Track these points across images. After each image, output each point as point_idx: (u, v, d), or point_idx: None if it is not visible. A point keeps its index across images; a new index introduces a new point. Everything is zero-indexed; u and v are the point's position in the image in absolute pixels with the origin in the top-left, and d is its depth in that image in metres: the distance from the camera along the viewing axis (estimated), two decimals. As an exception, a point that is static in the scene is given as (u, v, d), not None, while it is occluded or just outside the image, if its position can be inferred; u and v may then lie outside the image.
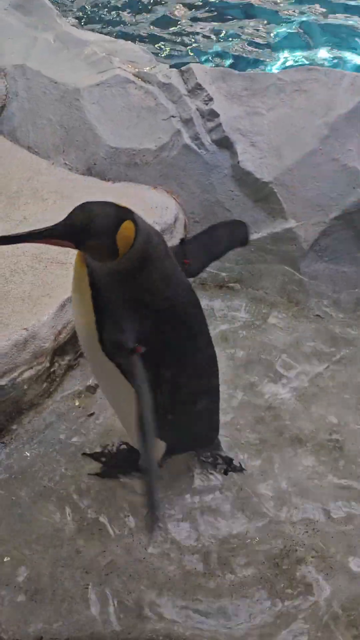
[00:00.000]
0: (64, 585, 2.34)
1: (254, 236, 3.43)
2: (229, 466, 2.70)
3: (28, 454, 2.68)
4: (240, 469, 2.70)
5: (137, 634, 2.23)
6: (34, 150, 3.71)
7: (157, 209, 3.42)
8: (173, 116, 3.53)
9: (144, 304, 2.12)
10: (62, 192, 3.46)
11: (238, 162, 3.38)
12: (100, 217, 2.00)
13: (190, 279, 2.33)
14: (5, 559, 2.40)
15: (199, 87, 3.51)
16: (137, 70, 3.72)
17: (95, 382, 2.97)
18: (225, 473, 2.69)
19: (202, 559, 2.43)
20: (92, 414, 2.83)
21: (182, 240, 2.45)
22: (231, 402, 2.94)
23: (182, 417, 2.41)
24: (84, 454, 2.70)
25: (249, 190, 3.41)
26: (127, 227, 2.00)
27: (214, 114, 3.45)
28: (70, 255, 3.11)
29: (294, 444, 2.79)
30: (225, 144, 3.43)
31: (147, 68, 3.74)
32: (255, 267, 3.47)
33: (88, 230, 1.98)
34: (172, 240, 3.39)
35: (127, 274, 2.07)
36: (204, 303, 3.31)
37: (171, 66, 3.83)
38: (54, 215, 3.25)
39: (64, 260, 3.08)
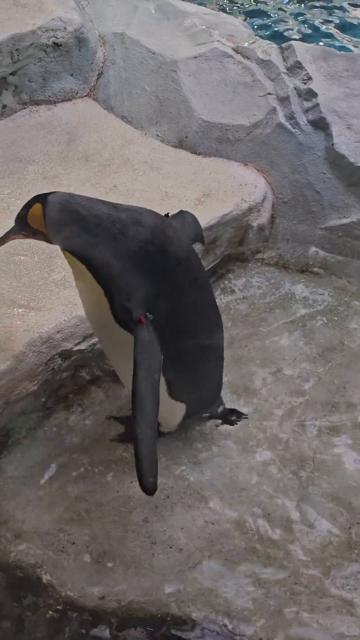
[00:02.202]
0: (132, 550, 2.38)
1: (342, 221, 3.37)
2: (236, 416, 2.79)
3: (104, 421, 2.71)
4: (245, 416, 2.79)
5: (200, 605, 2.25)
6: (127, 119, 3.71)
7: (246, 186, 3.39)
8: (269, 93, 3.48)
9: (135, 262, 2.16)
10: (152, 163, 3.47)
11: (333, 145, 3.32)
12: (18, 214, 2.29)
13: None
14: (74, 521, 2.45)
15: (298, 65, 3.45)
16: (236, 44, 3.68)
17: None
18: (233, 423, 2.78)
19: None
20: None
21: (167, 215, 2.45)
22: (305, 385, 2.92)
23: (199, 376, 2.48)
24: (111, 416, 2.74)
25: (342, 174, 3.34)
26: (33, 210, 2.22)
27: (311, 94, 3.39)
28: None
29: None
30: (320, 125, 3.36)
31: (247, 43, 3.70)
32: (341, 253, 3.41)
33: (17, 227, 2.30)
34: (260, 219, 3.37)
35: (73, 241, 2.18)
36: (286, 287, 3.32)
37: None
38: (143, 185, 3.33)
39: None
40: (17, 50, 3.53)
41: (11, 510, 2.46)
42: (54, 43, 3.64)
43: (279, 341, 3.12)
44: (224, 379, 2.72)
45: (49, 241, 2.25)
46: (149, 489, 2.13)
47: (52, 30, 3.63)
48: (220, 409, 2.78)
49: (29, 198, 2.25)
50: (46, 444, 2.63)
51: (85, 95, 3.82)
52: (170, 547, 2.40)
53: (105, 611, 2.23)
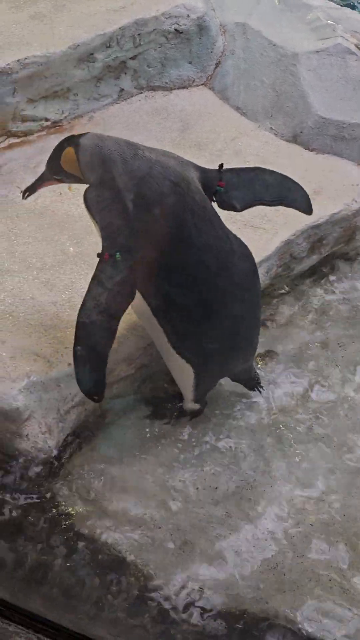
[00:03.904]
0: (214, 543, 2.38)
1: None
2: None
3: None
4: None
5: (278, 606, 2.23)
6: (242, 111, 3.69)
7: (357, 186, 3.34)
8: (390, 93, 3.41)
9: (128, 209, 2.25)
10: (265, 157, 3.44)
11: None
12: (50, 160, 2.44)
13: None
14: (160, 506, 2.47)
15: None
16: (359, 41, 3.60)
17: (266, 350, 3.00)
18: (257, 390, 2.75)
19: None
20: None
21: (221, 166, 2.45)
22: None
23: (203, 337, 2.40)
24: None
25: None
26: (66, 154, 2.36)
27: None
28: (265, 220, 3.11)
29: None
30: None
31: (371, 40, 3.62)
32: None
33: (49, 173, 2.47)
34: (369, 222, 3.31)
35: (99, 185, 2.29)
36: None
37: None
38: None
39: (258, 224, 3.07)
40: (139, 35, 3.56)
41: (101, 489, 2.49)
42: (175, 30, 3.65)
43: (379, 346, 3.06)
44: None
45: (82, 182, 2.35)
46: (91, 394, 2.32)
47: (175, 17, 3.64)
48: (246, 375, 2.69)
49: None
50: (139, 428, 2.66)
51: (202, 84, 3.82)
52: (253, 544, 2.39)
53: (186, 599, 2.24)
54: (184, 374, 2.50)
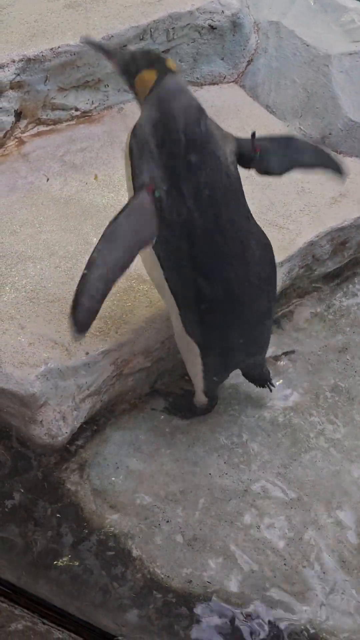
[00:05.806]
0: (223, 540, 2.39)
1: None
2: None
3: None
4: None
5: (282, 610, 2.24)
6: (271, 109, 3.68)
7: (384, 191, 3.31)
8: None
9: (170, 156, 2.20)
10: (292, 157, 3.42)
11: None
12: (128, 57, 2.32)
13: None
14: (169, 499, 2.48)
15: None
16: (394, 44, 3.58)
17: (283, 351, 3.00)
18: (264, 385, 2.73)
19: None
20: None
21: (253, 134, 2.42)
22: None
23: (210, 313, 2.34)
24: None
25: None
26: (146, 74, 2.23)
27: None
28: (289, 220, 3.11)
29: None
30: None
31: None
32: None
33: (121, 70, 2.32)
34: None
35: (147, 120, 2.22)
36: None
37: None
38: (280, 177, 3.28)
39: (282, 224, 3.07)
40: (173, 29, 3.55)
41: (110, 479, 2.50)
42: (209, 25, 3.63)
43: None
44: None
45: (137, 99, 2.30)
46: (78, 323, 2.20)
47: (210, 12, 3.62)
48: (257, 371, 2.68)
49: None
50: (153, 420, 2.67)
51: (233, 81, 3.81)
52: (263, 544, 2.39)
53: (190, 594, 2.25)
54: (191, 354, 2.46)
